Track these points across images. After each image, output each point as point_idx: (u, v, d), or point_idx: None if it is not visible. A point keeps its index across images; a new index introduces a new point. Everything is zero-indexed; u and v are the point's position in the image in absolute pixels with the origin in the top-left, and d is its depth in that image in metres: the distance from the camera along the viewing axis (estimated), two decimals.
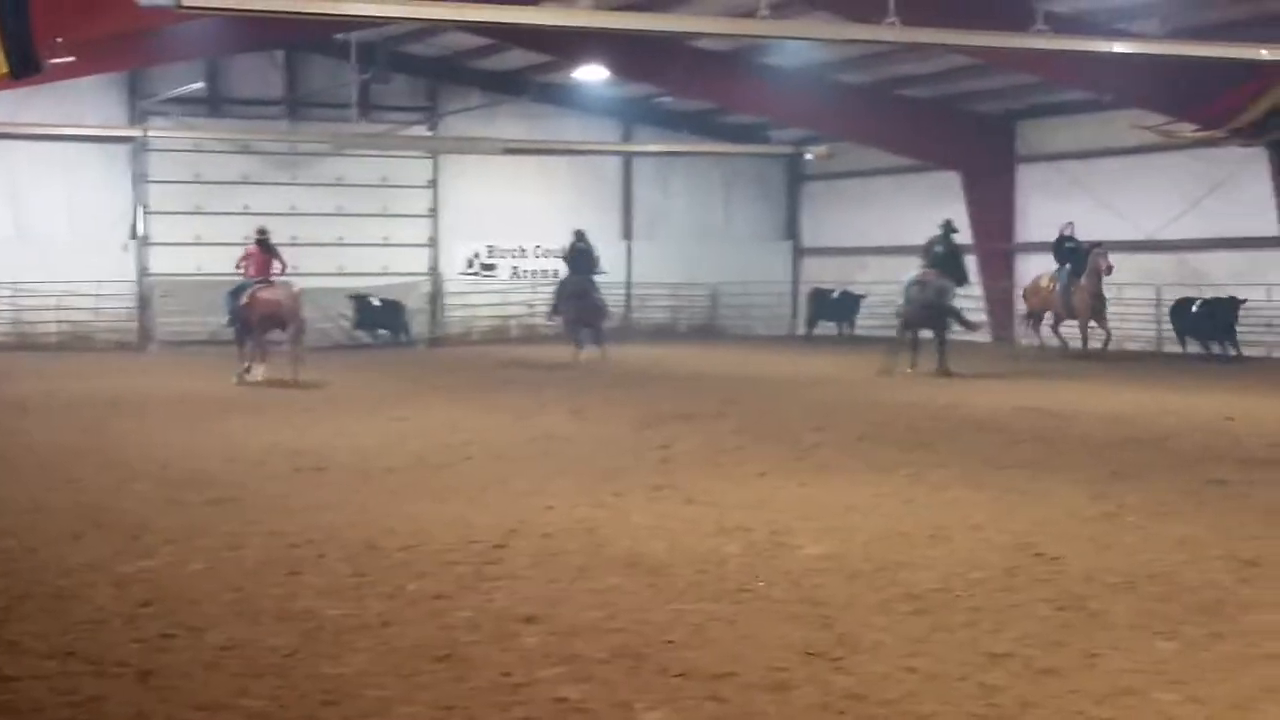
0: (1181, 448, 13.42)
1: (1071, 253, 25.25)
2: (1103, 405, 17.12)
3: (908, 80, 29.09)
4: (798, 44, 25.02)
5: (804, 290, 34.36)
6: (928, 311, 21.73)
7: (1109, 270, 24.36)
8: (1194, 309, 24.74)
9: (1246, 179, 26.01)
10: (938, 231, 22.66)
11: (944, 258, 22.38)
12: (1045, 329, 26.29)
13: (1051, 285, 25.53)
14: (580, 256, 25.93)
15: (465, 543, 8.78)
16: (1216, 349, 24.58)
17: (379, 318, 30.38)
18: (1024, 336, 27.02)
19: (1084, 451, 13.19)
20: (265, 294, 20.29)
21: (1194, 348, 24.96)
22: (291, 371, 20.16)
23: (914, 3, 18.58)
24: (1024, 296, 26.80)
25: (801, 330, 32.86)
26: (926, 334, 22.03)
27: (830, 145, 32.42)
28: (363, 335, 30.24)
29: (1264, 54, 19.89)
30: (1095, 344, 24.73)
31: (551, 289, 27.66)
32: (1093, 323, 24.76)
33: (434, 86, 32.49)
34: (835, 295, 32.25)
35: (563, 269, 27.04)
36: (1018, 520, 9.55)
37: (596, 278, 25.89)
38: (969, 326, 22.54)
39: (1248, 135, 24.82)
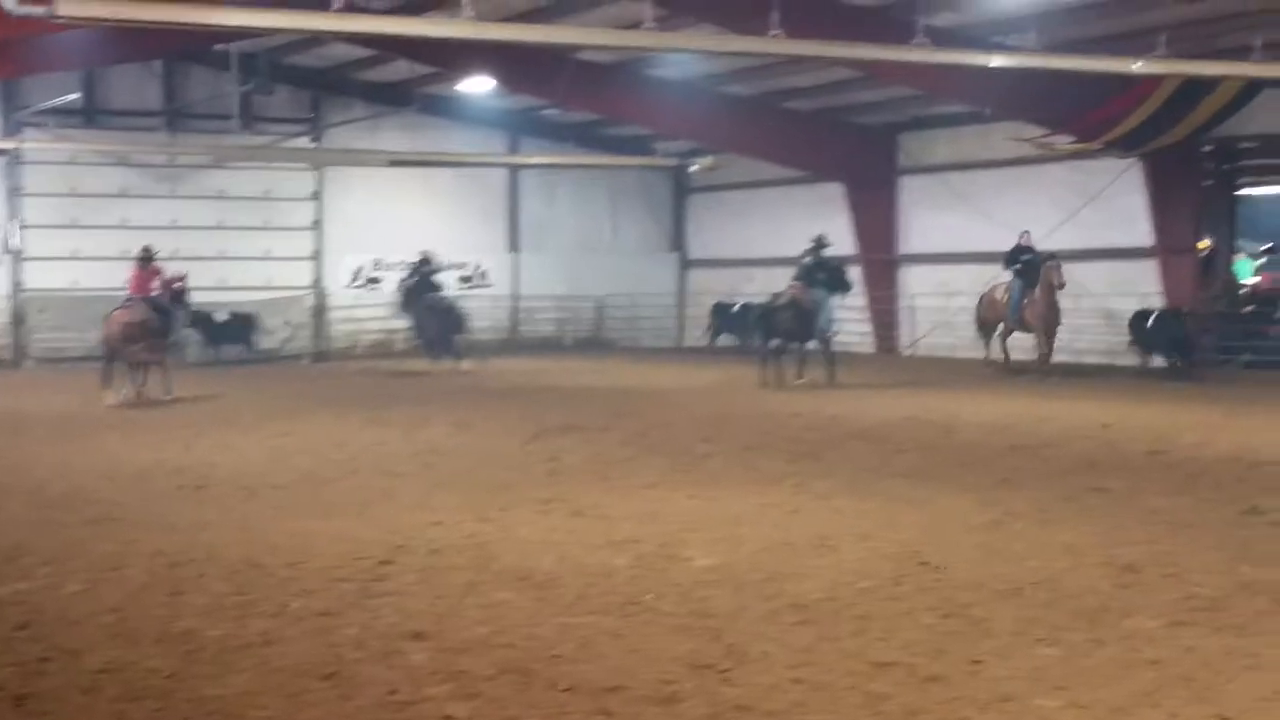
0: (1062, 455, 13.64)
1: (1027, 264, 24.24)
2: (985, 414, 17.36)
3: (792, 93, 29.32)
4: (683, 56, 25.10)
5: (708, 302, 34.46)
6: (790, 325, 22.08)
7: (1061, 285, 23.51)
8: (1148, 324, 23.79)
9: (1121, 190, 26.53)
10: (809, 245, 22.91)
11: (811, 270, 22.58)
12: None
13: (1005, 297, 24.48)
14: (424, 281, 26.72)
15: (351, 559, 8.68)
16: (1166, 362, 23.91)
17: (225, 333, 29.77)
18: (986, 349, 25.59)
19: (968, 460, 13.36)
20: (118, 314, 20.02)
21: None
22: (164, 390, 19.84)
23: (798, 16, 18.72)
24: (977, 308, 25.58)
25: (705, 342, 32.69)
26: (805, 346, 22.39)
27: (715, 157, 32.56)
28: (209, 352, 29.51)
29: (1137, 67, 20.29)
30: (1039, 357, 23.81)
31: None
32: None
33: (317, 98, 32.16)
34: (736, 308, 32.03)
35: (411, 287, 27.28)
36: (904, 529, 9.64)
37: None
38: (824, 340, 22.79)
39: (1122, 147, 25.34)
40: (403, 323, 28.08)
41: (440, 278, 27.25)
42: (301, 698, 5.93)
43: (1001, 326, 24.71)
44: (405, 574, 8.29)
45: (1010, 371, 23.82)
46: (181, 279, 22.10)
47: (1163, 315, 23.77)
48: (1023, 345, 24.44)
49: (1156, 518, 10.08)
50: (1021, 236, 24.65)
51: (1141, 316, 24.10)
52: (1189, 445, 14.25)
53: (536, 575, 8.21)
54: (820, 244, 22.89)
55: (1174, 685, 5.97)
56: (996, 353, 24.80)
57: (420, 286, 26.77)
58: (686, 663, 6.37)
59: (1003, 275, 24.65)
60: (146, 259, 20.96)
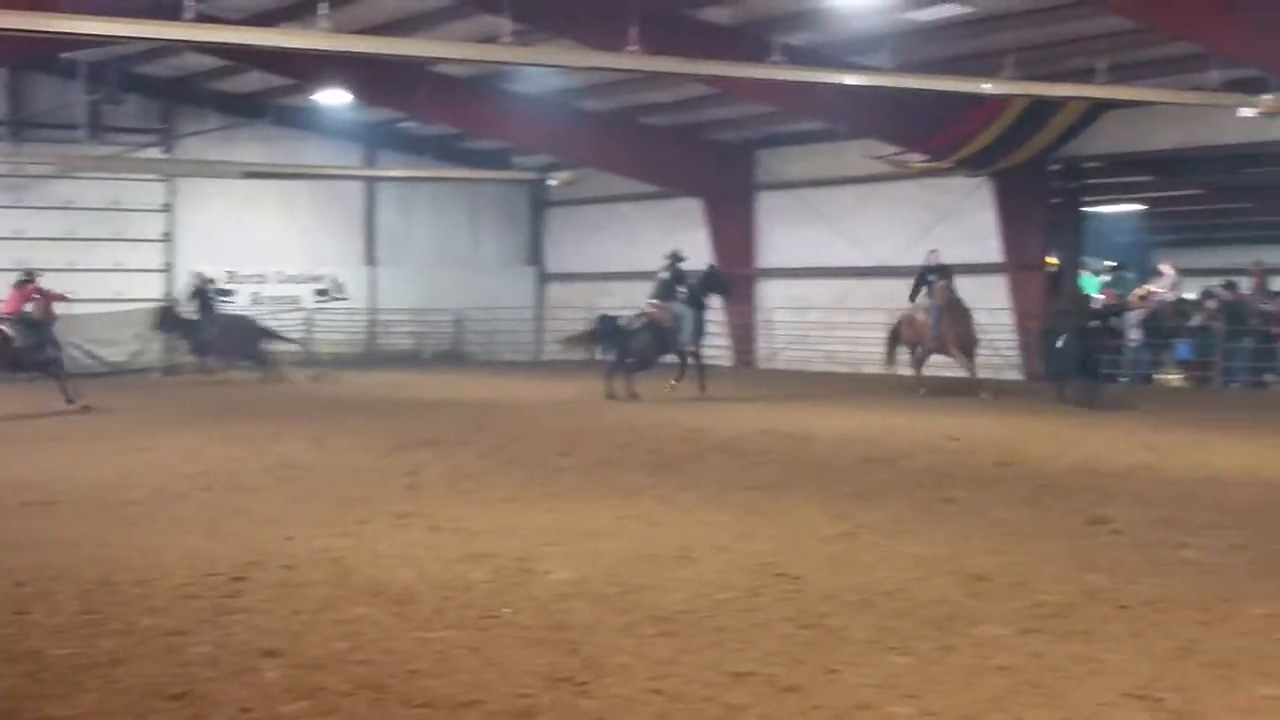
0: (913, 467, 13.86)
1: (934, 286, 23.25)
2: (838, 427, 17.58)
3: (650, 108, 29.50)
4: (541, 70, 25.13)
5: (568, 315, 34.28)
6: (647, 345, 22.44)
7: (945, 301, 22.80)
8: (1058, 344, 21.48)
9: (972, 208, 27.11)
10: (665, 261, 23.05)
11: (669, 286, 22.84)
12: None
13: (926, 319, 23.20)
14: (208, 305, 27.61)
15: (203, 576, 8.53)
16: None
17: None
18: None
19: (823, 472, 13.52)
20: None
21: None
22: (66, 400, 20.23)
23: (655, 32, 18.87)
24: (896, 327, 24.24)
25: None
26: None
27: (574, 172, 32.66)
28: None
29: (987, 87, 20.76)
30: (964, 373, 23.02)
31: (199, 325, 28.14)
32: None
33: (169, 108, 31.66)
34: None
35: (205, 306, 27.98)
36: (762, 540, 9.73)
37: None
38: (693, 353, 23.00)
39: (973, 165, 25.91)
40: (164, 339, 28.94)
41: (224, 295, 28.47)
42: (151, 717, 5.82)
43: (918, 348, 23.40)
44: (259, 590, 8.17)
45: (929, 392, 22.61)
46: (62, 296, 22.11)
47: (1071, 336, 21.10)
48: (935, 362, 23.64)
49: (1004, 528, 10.29)
50: (928, 256, 23.70)
51: (1050, 334, 21.98)
52: (1036, 457, 14.57)
53: (393, 590, 8.14)
54: (676, 259, 23.04)
55: (1022, 691, 6.09)
56: (905, 370, 23.80)
57: (205, 305, 27.62)
58: (544, 676, 6.36)
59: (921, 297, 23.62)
60: (25, 281, 21.08)
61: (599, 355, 24.20)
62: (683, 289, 22.84)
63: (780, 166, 31.02)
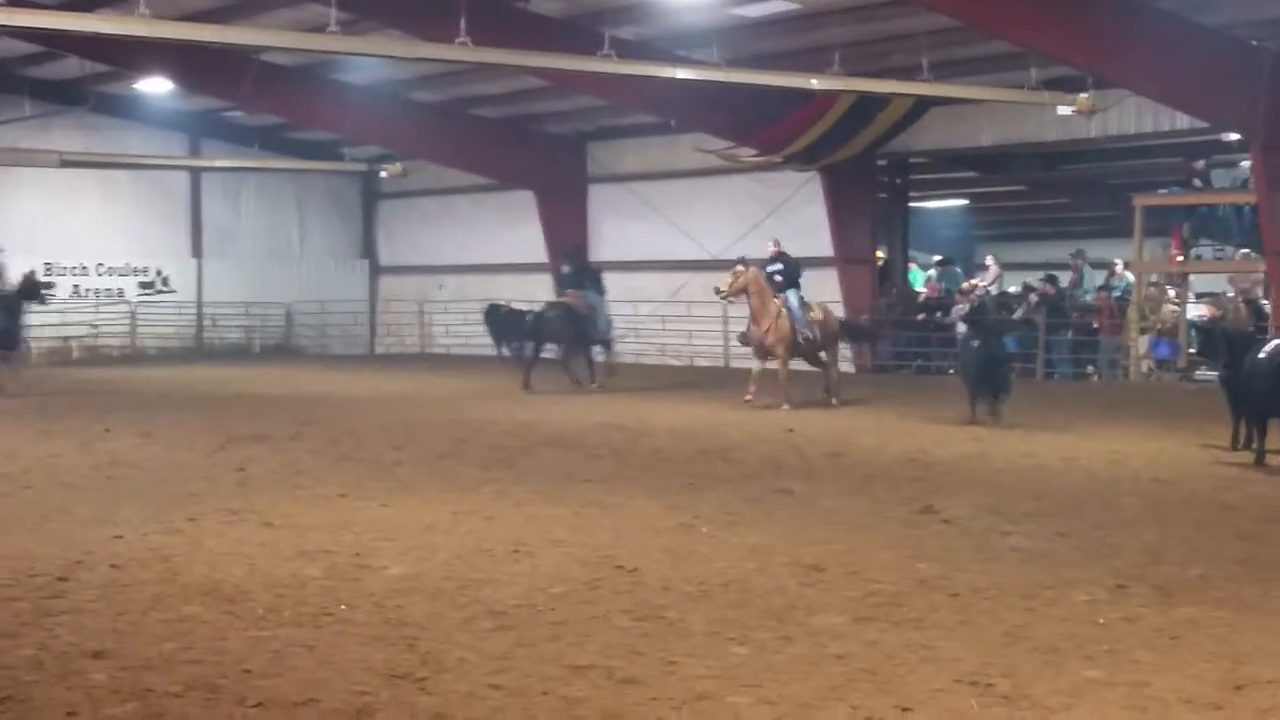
0: (747, 459, 13.99)
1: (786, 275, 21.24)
2: (671, 420, 17.67)
3: (481, 100, 29.36)
4: (370, 61, 24.84)
5: (399, 309, 34.02)
6: (564, 330, 22.60)
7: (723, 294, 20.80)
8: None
9: (802, 202, 27.43)
10: (563, 255, 23.69)
11: (579, 276, 23.16)
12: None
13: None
14: None
15: (25, 576, 8.27)
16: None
17: None
18: None
19: (657, 464, 13.58)
20: None
21: None
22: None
23: (485, 23, 18.77)
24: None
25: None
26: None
27: (405, 163, 32.38)
28: None
29: (814, 83, 21.05)
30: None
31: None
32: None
33: None
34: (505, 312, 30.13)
35: None
36: (598, 533, 9.74)
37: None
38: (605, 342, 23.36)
39: (802, 160, 26.24)
40: None
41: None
42: None
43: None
44: (85, 590, 7.95)
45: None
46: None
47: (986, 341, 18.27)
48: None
49: (838, 518, 10.44)
50: (770, 245, 21.43)
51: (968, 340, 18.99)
52: (867, 448, 14.82)
53: (225, 588, 7.98)
54: (576, 250, 23.10)
55: (858, 679, 6.18)
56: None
57: None
58: (382, 673, 6.29)
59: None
60: None
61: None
62: (589, 280, 23.07)
63: (612, 159, 31.09)
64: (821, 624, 7.19)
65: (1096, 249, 28.80)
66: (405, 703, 5.88)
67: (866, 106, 24.17)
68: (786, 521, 10.27)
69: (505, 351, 26.35)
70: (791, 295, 20.06)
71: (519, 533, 9.74)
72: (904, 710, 5.75)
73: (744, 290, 19.92)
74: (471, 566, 8.58)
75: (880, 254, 28.39)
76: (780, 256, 20.56)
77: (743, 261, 20.29)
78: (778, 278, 20.20)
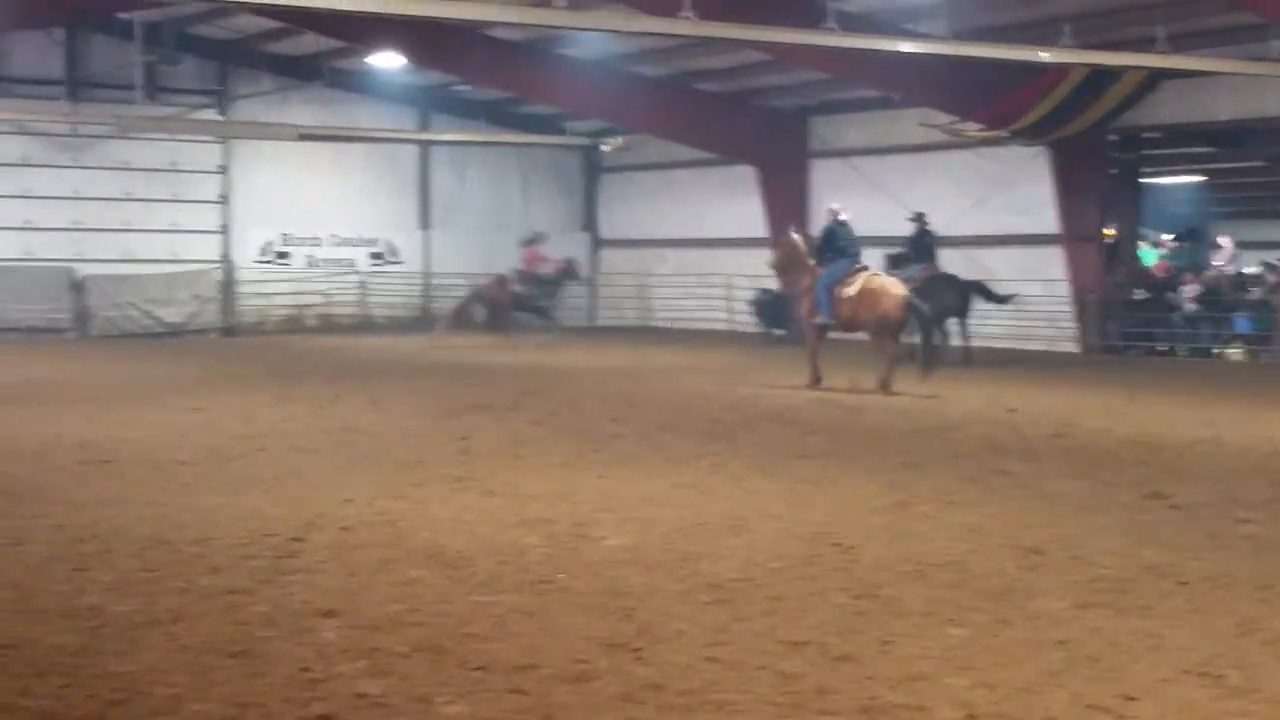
0: (966, 438, 13.78)
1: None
2: (888, 398, 17.47)
3: (703, 74, 29.37)
4: (594, 35, 25.03)
5: (620, 282, 34.38)
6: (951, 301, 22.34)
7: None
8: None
9: (1028, 178, 26.85)
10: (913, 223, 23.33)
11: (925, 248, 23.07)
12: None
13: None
14: None
15: (261, 536, 8.60)
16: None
17: None
18: None
19: (875, 442, 13.47)
20: None
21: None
22: None
23: None
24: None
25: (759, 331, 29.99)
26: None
27: (627, 137, 32.57)
28: None
29: (1044, 56, 20.54)
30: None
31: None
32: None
33: (224, 69, 31.71)
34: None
35: None
36: (814, 510, 9.71)
37: None
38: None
39: (1029, 135, 25.65)
40: None
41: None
42: (210, 675, 5.87)
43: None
44: (316, 551, 8.23)
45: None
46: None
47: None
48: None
49: (1060, 501, 10.23)
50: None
51: None
52: (1092, 430, 14.45)
53: (449, 553, 8.18)
54: (921, 219, 23.19)
55: (1080, 665, 6.06)
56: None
57: None
58: (599, 642, 6.38)
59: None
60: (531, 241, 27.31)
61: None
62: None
63: (834, 134, 30.83)
64: (1041, 608, 7.06)
65: None
66: (622, 671, 5.95)
67: (1097, 80, 23.51)
68: (1006, 503, 10.11)
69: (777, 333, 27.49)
70: (830, 270, 18.62)
71: (736, 507, 9.77)
72: (1129, 699, 5.61)
73: (789, 264, 19.52)
74: (689, 539, 8.64)
75: (1109, 232, 27.64)
76: (834, 226, 19.00)
77: (793, 232, 20.19)
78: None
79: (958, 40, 20.71)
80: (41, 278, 29.09)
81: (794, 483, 10.87)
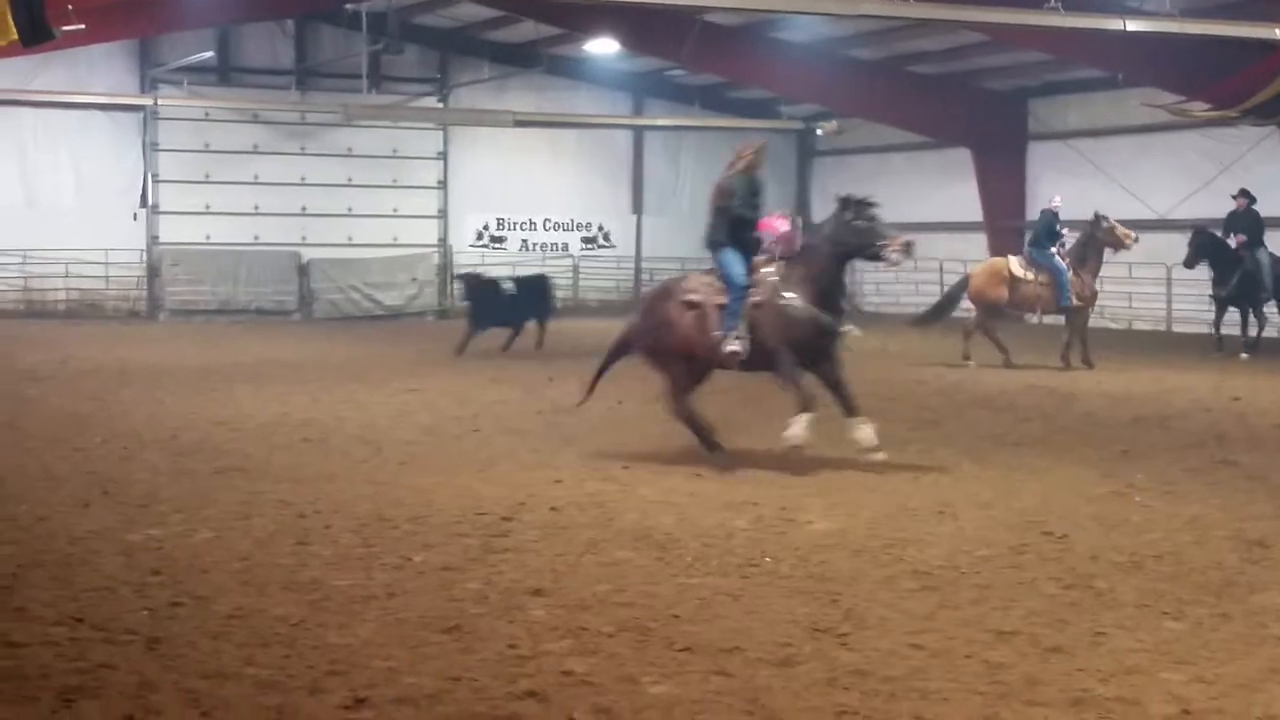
0: (1189, 428, 13.40)
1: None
2: (1107, 384, 17.08)
3: (919, 56, 29.00)
4: (809, 19, 24.93)
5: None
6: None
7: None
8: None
9: (1258, 159, 25.92)
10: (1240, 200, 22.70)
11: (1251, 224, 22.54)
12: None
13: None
14: None
15: (473, 515, 8.79)
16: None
17: None
18: None
19: (1090, 431, 13.19)
20: None
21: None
22: None
23: None
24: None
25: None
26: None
27: (841, 121, 32.33)
28: None
29: (1278, 33, 19.80)
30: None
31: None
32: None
33: (444, 58, 32.42)
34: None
35: None
36: (1025, 498, 9.55)
37: None
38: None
39: (1260, 115, 24.71)
40: None
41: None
42: (423, 649, 6.02)
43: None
44: (526, 531, 8.38)
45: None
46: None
47: None
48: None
49: None
50: (1053, 201, 21.74)
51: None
52: None
53: (656, 535, 8.26)
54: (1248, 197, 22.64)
55: None
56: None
57: None
58: (804, 625, 6.38)
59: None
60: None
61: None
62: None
63: (1054, 116, 30.15)
64: (1265, 603, 6.84)
65: None
66: (827, 656, 5.94)
67: None
68: (1229, 494, 9.80)
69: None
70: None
71: (944, 494, 9.66)
72: None
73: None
74: (895, 525, 8.57)
75: None
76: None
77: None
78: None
79: (1185, 18, 20.09)
80: (270, 261, 30.17)
81: (1005, 470, 10.71)
